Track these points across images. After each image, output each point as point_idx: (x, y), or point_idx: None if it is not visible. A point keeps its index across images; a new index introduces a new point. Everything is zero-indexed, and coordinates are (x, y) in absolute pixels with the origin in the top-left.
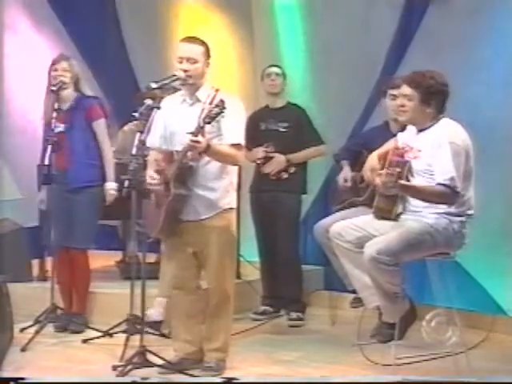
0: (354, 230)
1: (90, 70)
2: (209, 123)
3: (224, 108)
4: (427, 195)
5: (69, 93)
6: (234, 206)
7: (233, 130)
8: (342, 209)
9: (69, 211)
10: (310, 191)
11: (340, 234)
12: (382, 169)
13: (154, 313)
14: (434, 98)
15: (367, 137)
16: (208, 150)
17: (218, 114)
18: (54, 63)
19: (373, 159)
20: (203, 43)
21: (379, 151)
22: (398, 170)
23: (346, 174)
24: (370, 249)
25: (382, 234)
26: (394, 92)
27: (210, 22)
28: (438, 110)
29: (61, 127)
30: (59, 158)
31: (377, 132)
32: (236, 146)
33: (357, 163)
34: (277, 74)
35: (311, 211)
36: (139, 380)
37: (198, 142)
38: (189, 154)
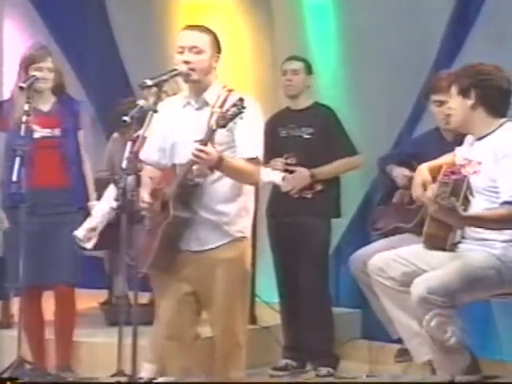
0: (399, 263)
1: (70, 65)
2: (224, 127)
3: (243, 107)
4: (492, 222)
5: (48, 93)
6: (248, 234)
7: (249, 140)
8: (384, 236)
9: (50, 239)
10: (344, 214)
11: (381, 268)
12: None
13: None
14: (476, 94)
15: (418, 146)
16: (220, 164)
17: (235, 115)
18: (35, 59)
19: (423, 172)
20: (210, 32)
21: (431, 163)
22: (455, 177)
23: (403, 170)
24: (420, 287)
25: (435, 269)
26: (439, 97)
27: (218, 6)
28: (496, 111)
29: (44, 132)
30: (44, 170)
31: (429, 140)
32: (253, 160)
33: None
34: (294, 71)
35: (345, 239)
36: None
37: (206, 152)
38: (194, 167)
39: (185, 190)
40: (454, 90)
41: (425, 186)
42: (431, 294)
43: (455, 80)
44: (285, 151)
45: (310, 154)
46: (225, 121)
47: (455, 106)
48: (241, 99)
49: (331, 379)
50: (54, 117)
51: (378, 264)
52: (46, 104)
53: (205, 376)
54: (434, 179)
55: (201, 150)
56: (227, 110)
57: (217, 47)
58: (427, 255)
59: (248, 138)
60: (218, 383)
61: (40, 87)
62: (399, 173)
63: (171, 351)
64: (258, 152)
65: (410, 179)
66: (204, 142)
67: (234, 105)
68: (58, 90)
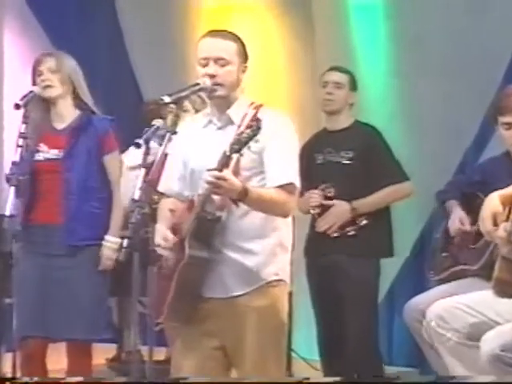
0: (463, 311)
1: None
2: (238, 151)
3: (258, 129)
4: None
5: (66, 106)
6: (286, 277)
7: (281, 164)
8: (444, 281)
9: (59, 285)
10: (397, 254)
11: (443, 317)
12: (507, 217)
13: None
14: None
15: (484, 173)
16: (245, 195)
17: (250, 138)
18: (36, 64)
19: (493, 202)
20: (236, 38)
21: (503, 192)
22: None
23: (461, 215)
24: (492, 343)
25: (508, 320)
26: (507, 119)
27: (246, 8)
28: None
29: (50, 154)
30: (43, 201)
31: (497, 166)
32: (286, 187)
33: (469, 211)
34: (337, 84)
35: (398, 284)
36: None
37: (225, 179)
38: (215, 199)
39: (203, 225)
40: None
41: (495, 219)
42: (506, 352)
43: None
44: (322, 180)
45: (351, 182)
46: (239, 145)
47: None
48: (257, 119)
49: None
50: (67, 136)
51: (438, 313)
52: (63, 121)
53: None
54: (508, 211)
55: (218, 177)
56: (241, 133)
57: (244, 56)
58: (498, 304)
59: (280, 161)
60: (221, 383)
61: (45, 94)
62: (456, 219)
63: None
64: (292, 177)
65: (466, 233)
66: (219, 169)
67: (249, 126)
68: (76, 102)
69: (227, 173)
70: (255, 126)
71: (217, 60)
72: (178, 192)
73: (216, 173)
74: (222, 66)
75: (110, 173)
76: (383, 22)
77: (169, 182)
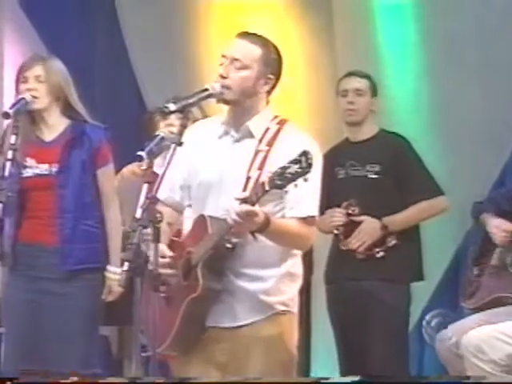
0: (503, 342)
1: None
2: (280, 188)
3: (309, 166)
4: None
5: (54, 116)
6: (294, 308)
7: (304, 194)
8: (481, 309)
9: (50, 313)
10: (428, 277)
11: (480, 348)
12: None
13: None
14: None
15: None
16: (266, 227)
17: (297, 176)
18: (22, 69)
19: None
20: (266, 45)
21: None
22: None
23: (503, 223)
24: None
25: None
26: None
27: (262, 6)
28: None
29: (39, 169)
30: (33, 220)
31: None
32: (308, 220)
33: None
34: (358, 92)
35: (430, 310)
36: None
37: (256, 215)
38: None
39: (220, 254)
40: None
41: None
42: None
43: None
44: (345, 197)
45: (378, 199)
46: (282, 181)
47: None
48: (305, 153)
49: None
50: (57, 149)
51: (475, 343)
52: (51, 132)
53: None
54: None
55: (251, 214)
56: (285, 168)
57: (271, 66)
58: None
59: (302, 191)
60: (220, 383)
61: (30, 105)
62: (497, 226)
63: None
64: (315, 209)
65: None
66: (252, 201)
67: (296, 161)
68: (64, 110)
69: (257, 208)
70: (305, 163)
71: (232, 61)
72: (178, 201)
73: (249, 208)
74: (237, 68)
75: (102, 187)
76: (412, 23)
77: (169, 189)
